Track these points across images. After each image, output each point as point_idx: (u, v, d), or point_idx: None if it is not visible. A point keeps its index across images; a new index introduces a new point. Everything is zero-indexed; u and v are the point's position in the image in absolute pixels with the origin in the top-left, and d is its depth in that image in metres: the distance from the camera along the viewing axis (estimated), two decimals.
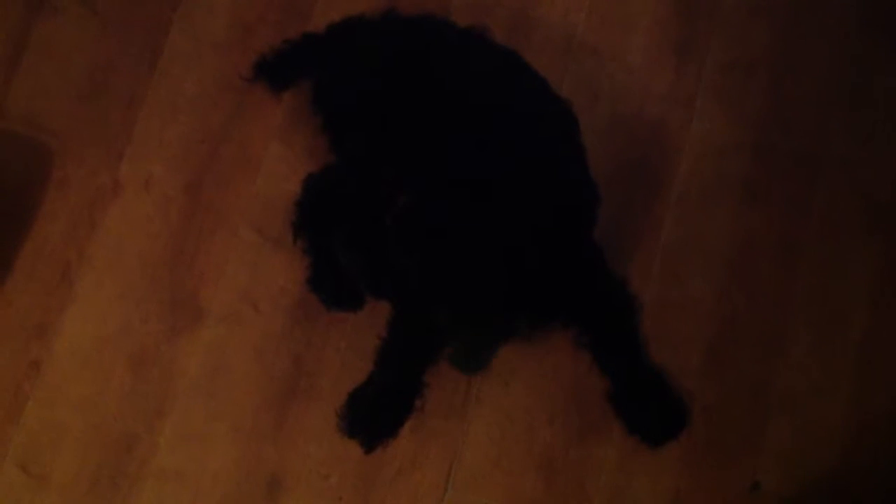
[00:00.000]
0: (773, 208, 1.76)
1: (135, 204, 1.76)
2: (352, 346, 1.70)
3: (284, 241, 1.71)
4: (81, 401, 1.69)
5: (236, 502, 1.65)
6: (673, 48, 1.83)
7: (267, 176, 1.76)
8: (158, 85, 1.81)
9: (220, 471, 1.66)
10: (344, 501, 1.65)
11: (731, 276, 1.73)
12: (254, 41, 1.81)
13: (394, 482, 1.66)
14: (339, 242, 1.65)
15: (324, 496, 1.65)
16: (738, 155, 1.77)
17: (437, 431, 1.67)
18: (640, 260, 1.73)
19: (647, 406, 1.65)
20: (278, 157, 1.77)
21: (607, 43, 1.83)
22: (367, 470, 1.66)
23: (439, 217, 1.49)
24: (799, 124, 1.79)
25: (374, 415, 1.64)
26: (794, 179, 1.76)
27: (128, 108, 1.80)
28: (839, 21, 1.83)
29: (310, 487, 1.66)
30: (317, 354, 1.70)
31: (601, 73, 1.81)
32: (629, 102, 1.80)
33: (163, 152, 1.78)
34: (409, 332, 1.63)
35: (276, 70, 1.77)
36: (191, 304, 1.72)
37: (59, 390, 1.69)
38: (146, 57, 1.82)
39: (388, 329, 1.64)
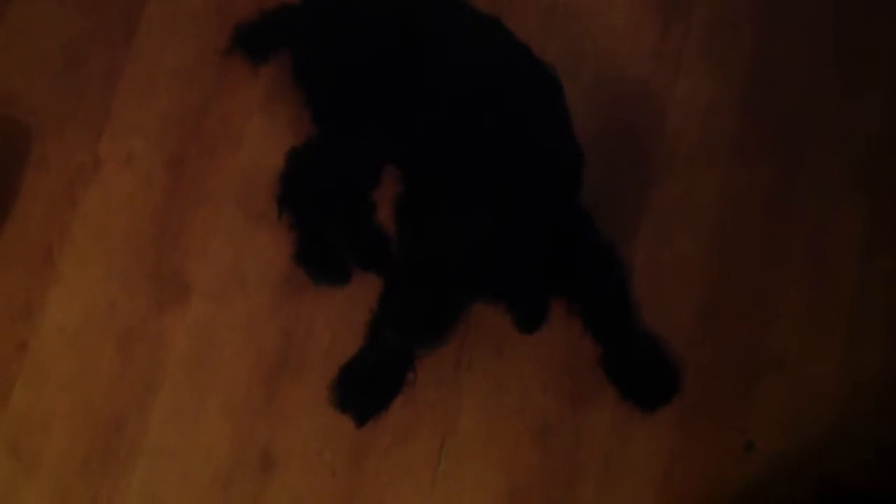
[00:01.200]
0: (761, 167, 1.75)
1: (116, 181, 1.74)
2: (341, 319, 1.68)
3: (269, 215, 1.68)
4: (70, 381, 1.67)
5: (229, 479, 1.64)
6: (657, 7, 1.81)
7: (250, 150, 1.74)
8: (136, 59, 1.78)
9: (212, 448, 1.65)
10: (337, 476, 1.64)
11: (721, 236, 1.72)
12: (232, 12, 1.77)
13: (387, 455, 1.65)
14: (329, 216, 1.64)
15: (317, 471, 1.64)
16: (725, 113, 1.76)
17: (429, 403, 1.66)
18: (629, 223, 1.71)
19: (639, 371, 1.64)
20: (261, 130, 1.74)
21: (591, 4, 1.80)
22: (360, 444, 1.65)
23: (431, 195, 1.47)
24: (785, 81, 1.78)
25: (366, 388, 1.63)
26: (782, 137, 1.75)
27: (106, 83, 1.77)
28: None
29: (303, 462, 1.65)
30: (306, 329, 1.68)
31: (585, 34, 1.79)
32: (614, 63, 1.78)
33: (143, 127, 1.75)
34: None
35: (253, 42, 1.74)
36: (177, 281, 1.70)
37: (47, 371, 1.67)
38: (123, 31, 1.79)
39: (378, 302, 1.63)
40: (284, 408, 1.66)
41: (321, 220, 1.67)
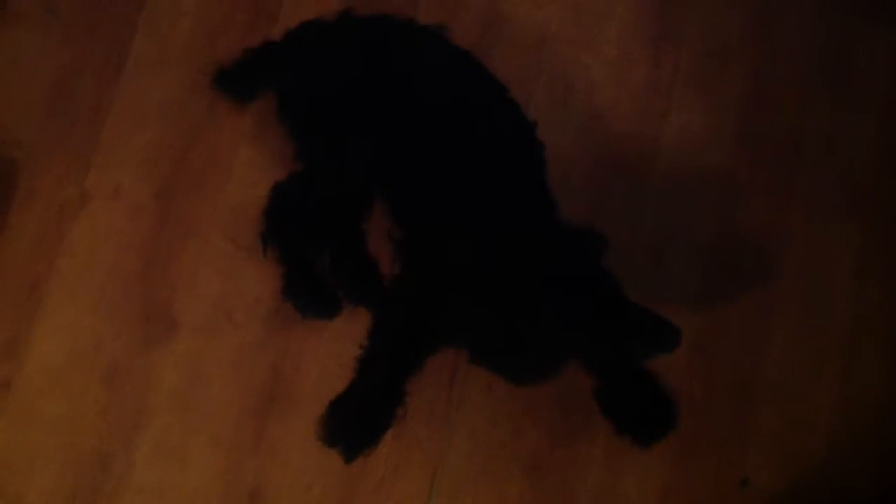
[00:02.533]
0: (755, 197, 1.74)
1: (104, 214, 1.72)
2: (330, 353, 1.67)
3: (257, 248, 1.67)
4: (55, 418, 1.65)
5: None
6: (649, 39, 1.80)
7: (238, 182, 1.72)
8: (125, 91, 1.76)
9: (201, 486, 1.63)
10: None
11: (715, 267, 1.71)
12: (221, 43, 1.77)
13: (377, 491, 1.63)
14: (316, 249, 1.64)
15: None
16: (717, 144, 1.75)
17: (419, 438, 1.64)
18: (622, 255, 1.69)
19: (635, 405, 1.63)
20: (249, 163, 1.73)
21: (582, 35, 1.80)
22: (350, 480, 1.63)
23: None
24: (778, 110, 1.78)
25: (355, 424, 1.61)
26: (776, 166, 1.75)
27: (94, 115, 1.75)
28: (814, 4, 1.82)
29: (292, 499, 1.62)
30: (295, 363, 1.67)
31: (577, 66, 1.78)
32: (606, 95, 1.77)
33: (131, 160, 1.74)
34: (390, 341, 1.59)
35: (237, 81, 1.73)
36: (164, 316, 1.68)
37: (32, 409, 1.65)
38: (111, 62, 1.77)
39: (368, 337, 1.61)
40: (273, 443, 1.64)
41: (308, 254, 1.66)
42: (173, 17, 1.79)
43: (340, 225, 1.66)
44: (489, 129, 1.57)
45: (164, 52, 1.78)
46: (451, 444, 1.64)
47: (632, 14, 1.80)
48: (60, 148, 1.74)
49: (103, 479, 1.62)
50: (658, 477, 1.63)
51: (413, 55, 1.60)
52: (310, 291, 1.66)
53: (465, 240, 1.49)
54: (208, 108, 1.75)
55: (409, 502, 1.62)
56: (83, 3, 1.80)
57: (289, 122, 1.64)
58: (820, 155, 1.76)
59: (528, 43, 1.79)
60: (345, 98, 1.57)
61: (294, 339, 1.67)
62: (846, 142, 1.76)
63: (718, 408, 1.65)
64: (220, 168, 1.73)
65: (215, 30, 1.78)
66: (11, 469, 1.63)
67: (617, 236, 1.68)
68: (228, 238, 1.70)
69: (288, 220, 1.64)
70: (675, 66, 1.78)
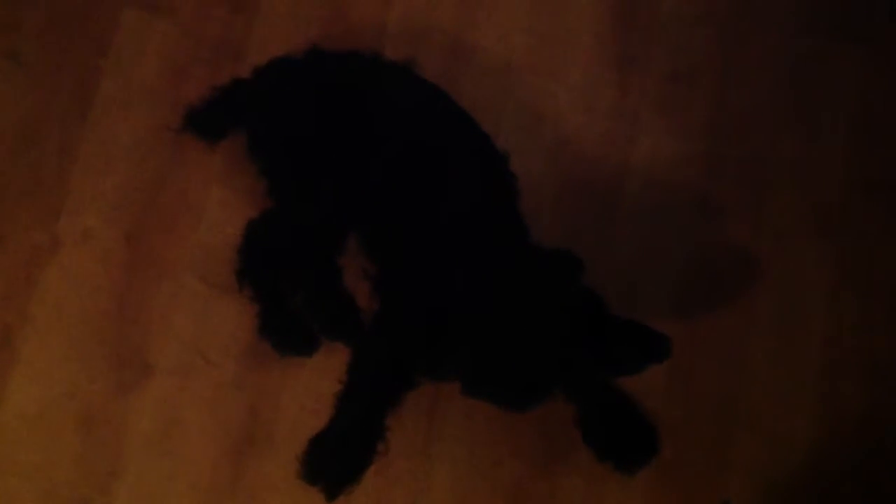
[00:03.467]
0: (725, 218, 1.75)
1: (74, 259, 1.71)
2: (308, 390, 1.66)
3: (231, 287, 1.66)
4: (31, 467, 1.63)
5: None
6: (614, 63, 1.81)
7: (209, 222, 1.72)
8: (91, 135, 1.76)
9: None
10: None
11: (689, 291, 1.71)
12: (188, 84, 1.77)
13: None
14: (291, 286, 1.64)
15: None
16: (686, 167, 1.76)
17: (400, 473, 1.63)
18: (595, 281, 1.69)
19: (617, 432, 1.62)
20: (220, 202, 1.72)
21: (547, 62, 1.80)
22: None
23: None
24: (745, 131, 1.79)
25: (336, 461, 1.59)
26: (745, 187, 1.75)
27: (61, 160, 1.75)
28: (779, 24, 1.83)
29: None
30: (272, 402, 1.66)
31: (543, 93, 1.79)
32: (573, 121, 1.78)
33: (100, 203, 1.73)
34: (369, 377, 1.59)
35: (206, 121, 1.73)
36: (138, 359, 1.67)
37: (7, 457, 1.63)
38: (76, 106, 1.77)
39: (348, 372, 1.60)
40: (252, 485, 1.63)
41: (284, 291, 1.65)
42: (138, 58, 1.79)
43: (315, 261, 1.65)
44: (461, 164, 1.57)
45: (129, 94, 1.78)
46: (433, 477, 1.63)
47: (595, 40, 1.81)
48: (28, 193, 1.73)
49: None
50: (640, 503, 1.62)
51: (382, 92, 1.60)
52: (286, 329, 1.65)
53: (450, 271, 1.49)
54: (177, 148, 1.75)
55: None
56: (46, 48, 1.79)
57: (259, 160, 1.64)
58: (789, 175, 1.76)
59: (495, 72, 1.79)
60: (315, 135, 1.57)
61: (271, 378, 1.66)
62: (815, 161, 1.77)
63: (698, 430, 1.65)
64: (191, 208, 1.73)
65: (181, 69, 1.78)
66: None
67: (589, 260, 1.69)
68: (201, 278, 1.69)
69: (262, 258, 1.63)
70: (642, 89, 1.79)
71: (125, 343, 1.67)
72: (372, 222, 1.59)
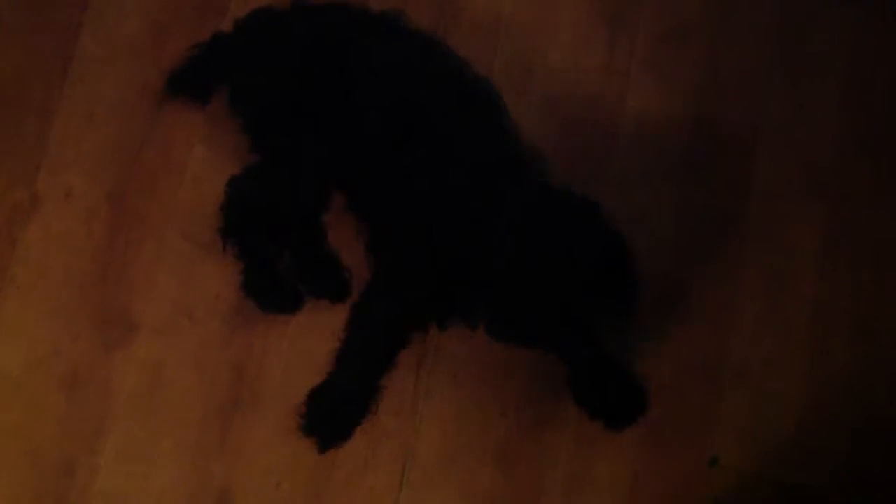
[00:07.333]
0: (715, 180, 1.74)
1: (56, 218, 1.69)
2: (294, 348, 1.65)
3: (215, 245, 1.64)
4: (15, 428, 1.61)
5: None
6: (604, 21, 1.79)
7: (192, 180, 1.70)
8: (72, 92, 1.73)
9: (167, 490, 1.60)
10: None
11: (678, 252, 1.70)
12: (170, 41, 1.74)
13: (347, 485, 1.61)
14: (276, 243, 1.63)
15: None
16: (676, 128, 1.75)
17: (387, 431, 1.62)
18: None
19: (607, 390, 1.62)
20: (203, 160, 1.70)
21: (536, 20, 1.79)
22: (319, 475, 1.61)
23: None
24: (735, 93, 1.78)
25: (333, 415, 1.60)
26: (735, 150, 1.75)
27: (41, 118, 1.72)
28: None
29: (261, 498, 1.61)
30: (258, 360, 1.65)
31: (532, 51, 1.77)
32: (563, 80, 1.76)
33: (82, 162, 1.71)
34: (370, 334, 1.59)
35: (191, 81, 1.70)
36: (123, 319, 1.65)
37: None
38: (57, 64, 1.74)
39: (348, 330, 1.59)
40: (239, 443, 1.62)
41: (268, 249, 1.64)
42: (119, 15, 1.76)
43: (299, 218, 1.64)
44: (453, 115, 1.52)
45: (111, 51, 1.75)
46: (420, 436, 1.63)
47: None
48: (8, 152, 1.71)
49: (67, 486, 1.60)
50: (627, 462, 1.62)
51: (369, 45, 1.57)
52: (270, 286, 1.65)
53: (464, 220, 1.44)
54: (159, 106, 1.73)
55: (379, 496, 1.61)
56: (25, 6, 1.76)
57: (242, 115, 1.61)
58: (780, 136, 1.75)
59: (484, 29, 1.78)
60: (298, 90, 1.54)
61: (257, 336, 1.65)
62: (806, 123, 1.76)
63: (686, 390, 1.65)
64: (174, 166, 1.71)
65: (163, 26, 1.76)
66: None
67: None
68: (185, 236, 1.68)
69: (246, 215, 1.62)
70: (631, 48, 1.77)
71: (109, 302, 1.66)
72: (363, 179, 1.56)
